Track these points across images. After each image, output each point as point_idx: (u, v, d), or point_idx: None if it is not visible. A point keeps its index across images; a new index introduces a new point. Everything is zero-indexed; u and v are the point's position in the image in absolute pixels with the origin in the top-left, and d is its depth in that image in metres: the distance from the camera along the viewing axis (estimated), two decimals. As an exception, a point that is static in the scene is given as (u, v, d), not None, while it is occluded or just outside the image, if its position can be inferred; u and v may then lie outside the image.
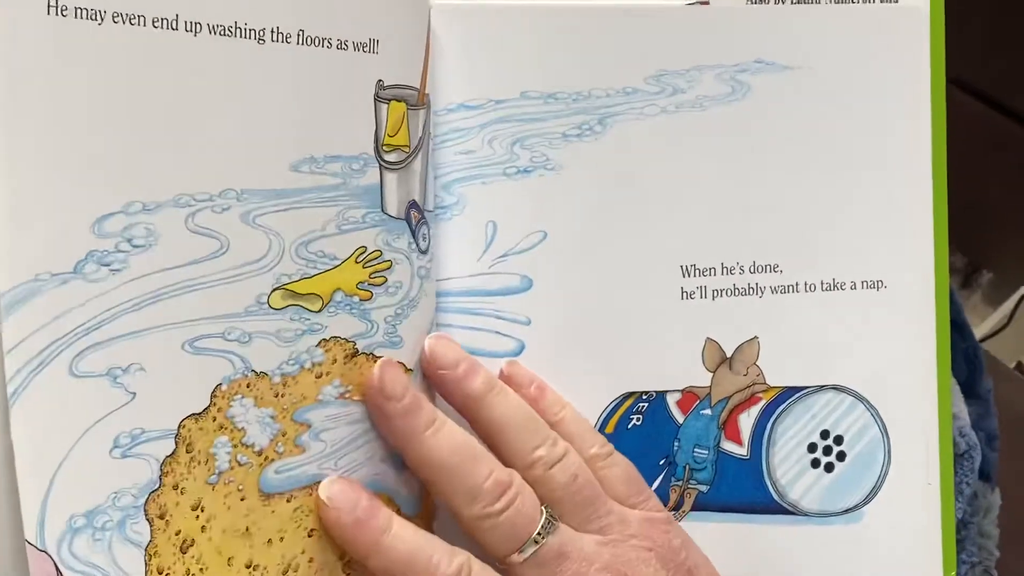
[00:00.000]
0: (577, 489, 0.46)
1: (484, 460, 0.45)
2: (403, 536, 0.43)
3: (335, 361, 0.45)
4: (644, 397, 0.51)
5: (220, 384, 0.41)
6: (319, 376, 0.44)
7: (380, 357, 0.46)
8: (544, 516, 0.45)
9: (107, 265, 0.38)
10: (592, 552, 0.45)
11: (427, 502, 0.48)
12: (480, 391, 0.46)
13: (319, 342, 0.44)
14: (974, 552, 0.59)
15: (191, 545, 0.41)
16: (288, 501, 0.43)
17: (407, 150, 0.46)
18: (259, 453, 0.43)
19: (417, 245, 0.47)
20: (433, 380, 0.46)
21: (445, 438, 0.44)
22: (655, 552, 0.47)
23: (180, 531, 0.41)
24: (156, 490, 0.40)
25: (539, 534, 0.44)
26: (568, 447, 0.47)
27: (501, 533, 0.44)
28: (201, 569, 0.41)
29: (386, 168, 0.46)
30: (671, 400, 0.52)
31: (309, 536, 0.44)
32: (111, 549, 0.39)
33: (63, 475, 0.38)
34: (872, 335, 0.53)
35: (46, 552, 0.37)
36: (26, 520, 0.37)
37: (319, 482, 0.44)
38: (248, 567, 0.42)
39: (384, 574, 0.43)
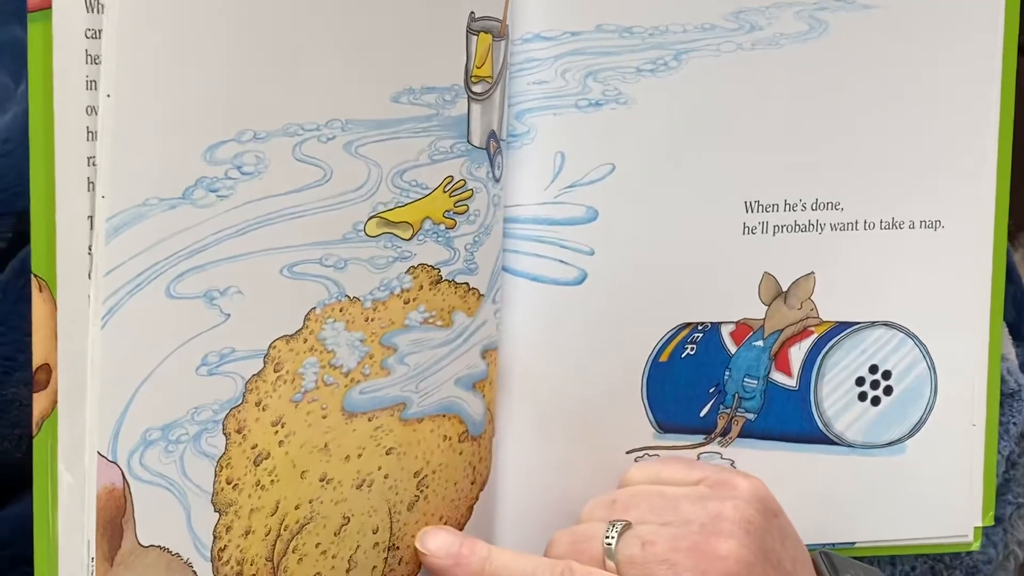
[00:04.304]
0: None
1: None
2: (503, 560, 0.46)
3: (421, 288, 0.46)
4: (699, 327, 0.52)
5: (314, 308, 0.43)
6: (407, 302, 0.46)
7: (461, 284, 0.47)
8: (611, 528, 0.48)
9: (215, 191, 0.40)
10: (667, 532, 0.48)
11: (489, 424, 0.50)
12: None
13: (408, 269, 0.46)
14: (1021, 493, 0.61)
15: (266, 458, 0.43)
16: (369, 420, 0.45)
17: (490, 81, 0.47)
18: (346, 374, 0.45)
19: (493, 174, 0.48)
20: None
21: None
22: None
23: (256, 445, 0.43)
24: (237, 406, 0.42)
25: (608, 542, 0.47)
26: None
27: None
28: (272, 481, 0.43)
29: (473, 99, 0.47)
30: (725, 331, 0.53)
31: (387, 454, 0.46)
32: (182, 461, 0.41)
33: (145, 390, 0.40)
34: (927, 274, 0.54)
35: (116, 463, 0.39)
36: (100, 433, 0.39)
37: (401, 403, 0.46)
38: (322, 480, 0.44)
39: None
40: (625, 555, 0.47)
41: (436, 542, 0.47)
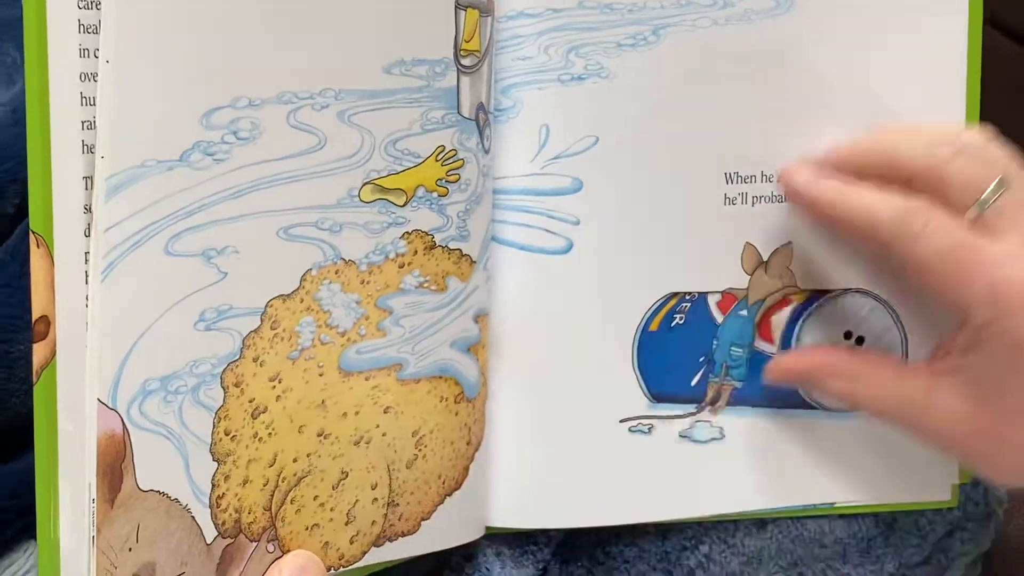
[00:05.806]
0: None
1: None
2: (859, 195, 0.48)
3: (416, 252, 0.48)
4: (687, 297, 0.54)
5: (310, 269, 0.45)
6: (401, 266, 0.48)
7: (454, 250, 0.49)
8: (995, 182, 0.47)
9: (211, 155, 0.42)
10: None
11: (483, 387, 0.52)
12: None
13: (403, 234, 0.48)
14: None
15: (263, 412, 0.45)
16: (367, 379, 0.47)
17: (479, 55, 0.49)
18: (342, 334, 0.46)
19: (482, 145, 0.50)
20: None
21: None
22: None
23: (254, 399, 0.44)
24: (235, 361, 0.44)
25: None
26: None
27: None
28: (270, 434, 0.45)
29: (462, 72, 0.49)
30: (712, 301, 0.54)
31: (385, 413, 0.48)
32: (181, 411, 0.43)
33: (144, 343, 0.42)
34: None
35: (115, 411, 0.41)
36: (100, 381, 0.41)
37: (397, 364, 0.48)
38: (319, 435, 0.46)
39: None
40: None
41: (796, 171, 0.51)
